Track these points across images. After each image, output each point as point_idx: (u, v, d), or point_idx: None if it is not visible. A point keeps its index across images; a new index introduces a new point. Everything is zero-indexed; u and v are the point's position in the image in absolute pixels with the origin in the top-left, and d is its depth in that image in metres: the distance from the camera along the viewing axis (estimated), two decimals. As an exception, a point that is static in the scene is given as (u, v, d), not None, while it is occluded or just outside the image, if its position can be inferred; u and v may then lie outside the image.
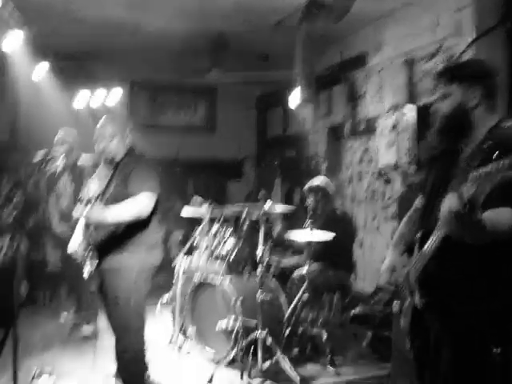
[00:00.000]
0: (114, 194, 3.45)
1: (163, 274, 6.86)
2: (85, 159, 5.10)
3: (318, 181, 5.31)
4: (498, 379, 2.02)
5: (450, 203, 1.69)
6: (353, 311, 5.63)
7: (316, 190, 5.20)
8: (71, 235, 3.74)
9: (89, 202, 3.19)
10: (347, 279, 5.23)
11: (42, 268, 6.48)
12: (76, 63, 7.84)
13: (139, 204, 3.33)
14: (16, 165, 7.16)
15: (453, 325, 2.10)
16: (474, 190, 1.64)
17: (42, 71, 6.57)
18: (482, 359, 2.03)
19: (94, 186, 3.53)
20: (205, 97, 9.30)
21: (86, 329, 5.13)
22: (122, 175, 3.49)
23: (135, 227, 3.44)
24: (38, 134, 7.20)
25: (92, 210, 3.17)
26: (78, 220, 3.64)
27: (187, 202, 5.60)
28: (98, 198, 3.32)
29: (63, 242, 5.12)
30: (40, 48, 6.66)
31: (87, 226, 3.49)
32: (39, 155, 4.17)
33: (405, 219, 2.63)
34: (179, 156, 8.84)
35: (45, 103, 7.17)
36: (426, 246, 2.08)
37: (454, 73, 2.18)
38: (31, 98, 7.34)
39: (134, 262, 3.46)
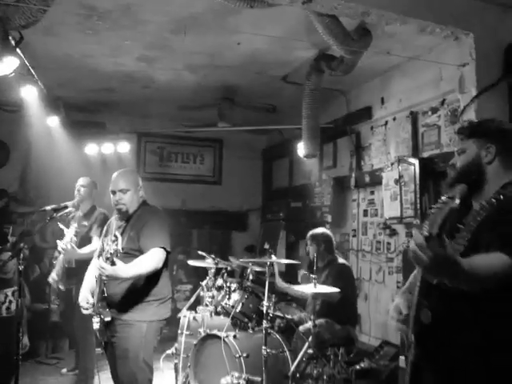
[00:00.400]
0: (126, 249, 3.49)
1: (167, 328, 6.86)
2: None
3: (321, 230, 5.31)
4: None
5: (413, 239, 1.74)
6: (357, 366, 5.54)
7: (319, 237, 5.20)
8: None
9: (109, 258, 3.21)
10: (353, 333, 5.16)
11: (45, 318, 6.42)
12: (87, 115, 8.02)
13: (154, 258, 3.39)
14: (23, 216, 7.25)
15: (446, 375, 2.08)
16: (428, 223, 1.74)
17: (53, 123, 6.71)
18: None
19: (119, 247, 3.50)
20: (212, 148, 9.42)
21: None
22: (135, 228, 3.53)
23: (148, 282, 3.51)
24: (47, 186, 7.35)
25: (110, 268, 3.20)
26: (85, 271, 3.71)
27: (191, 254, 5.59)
28: (118, 253, 3.32)
29: (64, 296, 5.13)
30: (52, 100, 6.85)
31: (101, 280, 3.48)
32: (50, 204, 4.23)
33: (415, 270, 2.56)
34: (185, 206, 8.90)
35: (56, 152, 7.30)
36: (415, 294, 2.10)
37: (472, 129, 2.24)
38: (42, 149, 7.47)
39: (146, 316, 3.51)
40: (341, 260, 5.26)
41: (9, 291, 5.68)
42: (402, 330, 2.25)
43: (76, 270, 4.83)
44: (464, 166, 2.20)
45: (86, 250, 4.79)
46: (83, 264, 4.58)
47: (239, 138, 8.91)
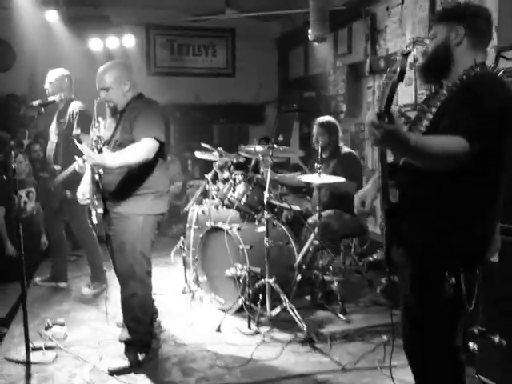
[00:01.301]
0: (120, 140, 3.43)
1: (179, 225, 6.91)
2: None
3: (331, 118, 5.11)
4: (451, 300, 2.14)
5: (367, 116, 1.85)
6: (370, 258, 5.52)
7: (332, 126, 4.99)
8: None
9: (95, 147, 3.13)
10: (364, 223, 5.06)
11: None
12: (88, 8, 7.69)
13: (143, 148, 3.28)
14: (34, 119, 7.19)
15: (411, 250, 2.22)
16: (378, 100, 1.86)
17: (51, 18, 6.45)
18: (437, 281, 2.14)
19: (101, 133, 3.42)
20: (224, 39, 9.05)
21: (86, 291, 5.05)
22: (128, 120, 3.43)
23: (142, 173, 3.43)
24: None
25: (97, 156, 3.13)
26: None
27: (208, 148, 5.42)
28: (104, 143, 3.27)
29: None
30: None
31: (94, 171, 3.43)
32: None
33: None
34: (199, 100, 8.70)
35: (60, 51, 7.09)
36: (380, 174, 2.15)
37: (443, 13, 2.32)
38: (46, 47, 7.26)
39: (141, 209, 3.46)
40: (346, 148, 5.07)
41: (23, 192, 5.74)
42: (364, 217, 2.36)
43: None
44: (433, 50, 2.24)
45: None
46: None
47: (252, 27, 8.49)
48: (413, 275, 2.24)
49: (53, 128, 4.86)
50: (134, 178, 3.44)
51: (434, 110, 2.17)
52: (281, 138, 5.50)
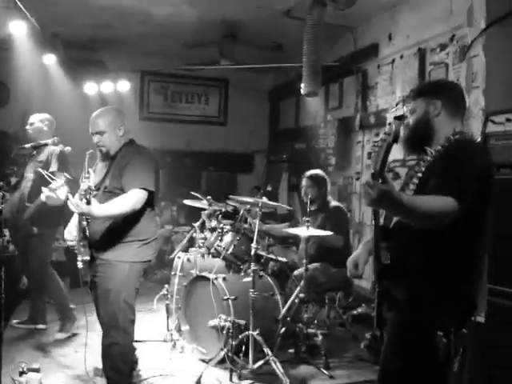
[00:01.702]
0: (109, 188, 3.43)
1: (163, 270, 6.86)
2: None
3: (321, 172, 5.19)
4: (441, 360, 2.15)
5: (364, 178, 1.81)
6: (354, 311, 5.49)
7: (321, 179, 5.05)
8: None
9: (84, 197, 3.12)
10: (350, 277, 5.04)
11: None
12: (86, 53, 7.82)
13: (131, 200, 3.29)
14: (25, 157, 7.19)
15: (401, 311, 2.25)
16: (373, 162, 1.95)
17: (49, 61, 6.53)
18: (427, 342, 2.15)
19: (91, 184, 3.40)
20: (217, 88, 9.20)
21: (59, 335, 4.94)
22: (118, 167, 3.44)
23: (129, 221, 3.41)
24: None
25: (85, 206, 3.09)
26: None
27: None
28: (91, 191, 3.22)
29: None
30: (49, 37, 6.66)
31: (81, 218, 3.40)
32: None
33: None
34: (190, 147, 8.77)
35: (56, 91, 7.16)
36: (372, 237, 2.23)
37: (420, 89, 2.51)
38: (42, 88, 7.33)
39: (127, 256, 3.43)
40: (334, 202, 5.12)
41: (6, 231, 5.68)
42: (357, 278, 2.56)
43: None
44: (414, 124, 2.40)
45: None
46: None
47: (245, 78, 8.64)
48: (401, 336, 2.26)
49: (29, 166, 4.87)
50: (120, 226, 3.42)
51: (419, 174, 2.28)
52: (269, 188, 5.55)
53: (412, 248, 2.22)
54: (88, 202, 3.13)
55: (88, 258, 3.40)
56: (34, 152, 4.12)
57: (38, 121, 4.94)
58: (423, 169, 2.28)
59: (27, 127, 4.98)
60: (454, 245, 2.16)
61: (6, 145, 7.55)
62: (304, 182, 5.12)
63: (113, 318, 3.43)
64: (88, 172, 3.25)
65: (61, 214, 4.98)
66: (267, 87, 9.36)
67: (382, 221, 2.31)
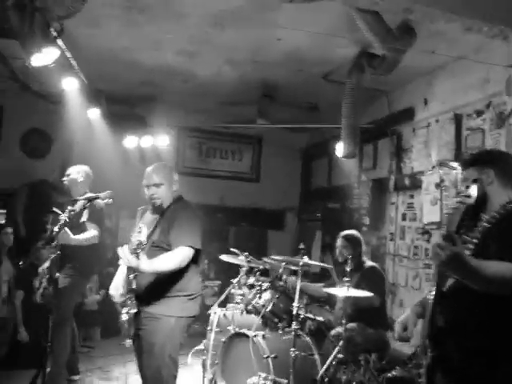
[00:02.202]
0: (157, 242, 3.53)
1: (196, 324, 6.85)
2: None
3: (355, 232, 5.25)
4: None
5: (434, 239, 1.91)
6: (389, 374, 5.40)
7: (356, 240, 5.10)
8: None
9: (134, 252, 3.19)
10: (386, 337, 5.03)
11: (79, 308, 6.49)
12: (127, 108, 8.09)
13: (177, 257, 3.39)
14: (61, 206, 7.37)
15: (461, 378, 2.26)
16: (447, 222, 2.08)
17: (93, 115, 6.79)
18: None
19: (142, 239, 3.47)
20: (251, 145, 9.39)
21: None
22: (167, 223, 3.53)
23: (174, 276, 3.49)
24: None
25: (134, 260, 3.18)
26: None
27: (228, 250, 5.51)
28: (143, 246, 3.29)
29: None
30: (94, 93, 6.93)
31: (129, 271, 3.48)
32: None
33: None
34: (223, 203, 8.89)
35: (96, 144, 7.41)
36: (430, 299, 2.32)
37: (471, 159, 2.62)
38: (83, 140, 7.59)
39: (173, 311, 3.51)
40: (370, 262, 5.16)
41: (44, 279, 5.77)
42: (405, 341, 2.61)
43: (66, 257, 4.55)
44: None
45: (80, 236, 4.63)
46: (73, 251, 4.53)
47: (279, 136, 8.82)
48: None
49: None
50: (166, 281, 3.50)
51: (475, 240, 2.33)
52: (301, 246, 5.58)
53: (468, 312, 2.24)
54: (137, 257, 3.22)
55: (136, 310, 3.45)
56: (87, 203, 4.28)
57: (74, 172, 5.13)
58: (479, 235, 2.33)
59: (64, 178, 5.15)
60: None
61: (46, 193, 7.78)
62: (339, 241, 5.18)
63: (157, 372, 3.46)
64: (139, 227, 3.33)
65: (98, 265, 5.10)
66: (300, 146, 9.53)
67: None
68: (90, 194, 4.35)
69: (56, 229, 3.75)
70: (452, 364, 2.26)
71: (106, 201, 4.84)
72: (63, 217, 3.86)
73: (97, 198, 4.13)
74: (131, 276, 3.48)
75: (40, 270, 4.98)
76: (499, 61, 4.90)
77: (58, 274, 4.63)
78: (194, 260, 3.57)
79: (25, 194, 7.68)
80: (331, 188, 8.52)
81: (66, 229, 4.27)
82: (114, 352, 5.98)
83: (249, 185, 9.28)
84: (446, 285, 2.36)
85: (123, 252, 3.20)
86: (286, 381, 4.08)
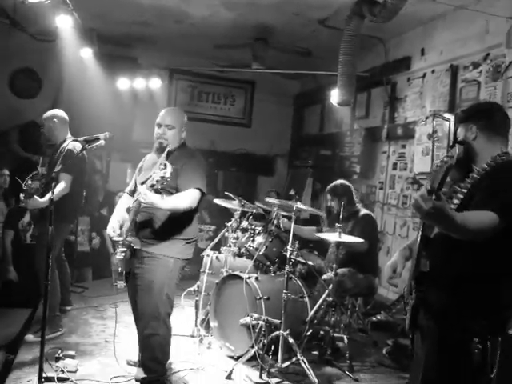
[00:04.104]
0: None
1: (189, 266, 6.97)
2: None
3: (339, 182, 5.29)
4: (476, 367, 2.30)
5: (417, 193, 2.07)
6: (374, 318, 5.61)
7: (339, 190, 5.16)
8: None
9: (154, 185, 3.21)
10: (374, 283, 5.17)
11: (72, 248, 6.57)
12: (119, 48, 7.95)
13: (191, 198, 3.47)
14: (52, 147, 7.34)
15: (438, 318, 2.38)
16: (431, 178, 2.09)
17: (86, 55, 6.67)
18: (463, 349, 2.30)
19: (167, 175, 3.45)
20: (243, 90, 9.32)
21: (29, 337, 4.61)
22: (174, 167, 3.54)
23: (178, 220, 3.58)
24: (78, 118, 7.34)
25: (153, 195, 3.23)
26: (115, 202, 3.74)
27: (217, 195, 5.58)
28: (165, 180, 3.22)
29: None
30: (87, 32, 6.79)
31: (139, 209, 3.52)
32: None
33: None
34: (214, 147, 8.90)
35: (88, 84, 7.31)
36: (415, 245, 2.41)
37: (458, 117, 2.79)
38: (74, 80, 7.48)
39: (173, 252, 3.60)
40: (364, 210, 5.24)
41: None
42: (394, 285, 2.60)
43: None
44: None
45: (47, 196, 4.45)
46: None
47: (272, 82, 8.77)
48: (440, 340, 2.37)
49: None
50: (168, 223, 3.57)
51: (464, 190, 2.42)
52: (292, 192, 5.65)
53: (452, 257, 2.37)
54: (156, 192, 3.28)
55: (139, 246, 3.52)
56: (86, 145, 4.26)
57: (48, 119, 4.94)
58: (469, 185, 2.42)
59: (42, 129, 5.00)
60: (493, 255, 2.30)
61: (36, 134, 7.71)
62: (327, 196, 5.24)
63: (154, 309, 3.55)
64: (164, 164, 3.31)
65: (75, 211, 5.12)
66: (293, 92, 9.49)
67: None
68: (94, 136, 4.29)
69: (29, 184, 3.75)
70: (431, 305, 2.39)
71: (99, 143, 4.79)
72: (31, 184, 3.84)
73: (97, 139, 4.09)
74: (136, 214, 3.52)
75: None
76: (500, 12, 4.86)
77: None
78: (197, 206, 3.64)
79: (16, 134, 7.60)
80: (323, 135, 8.54)
81: (35, 197, 4.33)
82: (106, 292, 6.10)
83: (240, 129, 9.27)
84: (433, 232, 2.45)
85: (142, 188, 3.24)
86: (278, 321, 4.21)
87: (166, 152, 3.57)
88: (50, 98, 7.89)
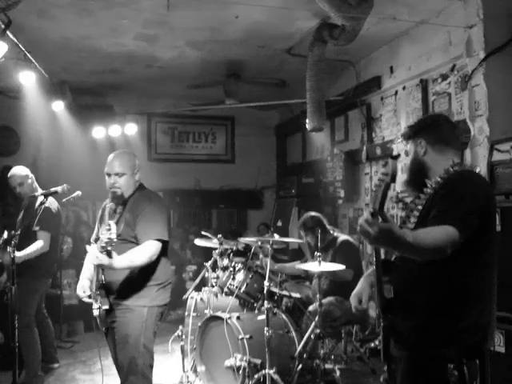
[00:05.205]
0: (124, 235, 3.44)
1: (177, 311, 6.84)
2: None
3: (306, 215, 5.20)
4: None
5: (361, 217, 1.94)
6: (372, 344, 5.43)
7: (309, 224, 5.07)
8: None
9: (104, 247, 3.10)
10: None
11: (58, 303, 6.46)
12: (93, 98, 7.97)
13: (147, 252, 3.33)
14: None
15: (408, 346, 2.27)
16: (372, 200, 1.98)
17: (57, 108, 6.66)
18: (439, 376, 2.18)
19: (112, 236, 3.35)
20: (223, 126, 9.33)
21: None
22: (131, 215, 3.45)
23: (146, 268, 3.43)
24: (58, 172, 7.32)
25: (106, 258, 3.11)
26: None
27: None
28: (113, 243, 3.13)
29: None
30: (57, 85, 6.81)
31: (99, 269, 3.42)
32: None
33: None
34: (200, 186, 8.85)
35: (64, 137, 7.32)
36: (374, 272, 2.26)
37: (406, 133, 2.56)
38: (51, 135, 7.49)
39: (146, 301, 3.46)
40: (342, 236, 5.13)
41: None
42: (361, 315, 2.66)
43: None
44: (410, 165, 2.51)
45: (26, 251, 4.55)
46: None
47: (251, 115, 8.76)
48: (413, 370, 2.26)
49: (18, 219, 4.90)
50: (137, 273, 3.44)
51: (420, 207, 2.34)
52: (279, 224, 5.54)
53: (415, 280, 2.25)
54: (109, 255, 3.15)
55: (107, 307, 3.39)
56: (45, 199, 4.24)
57: (16, 184, 4.89)
58: (424, 201, 2.33)
59: (16, 190, 4.93)
60: (458, 274, 2.19)
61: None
62: (301, 232, 5.15)
63: (132, 363, 3.41)
64: (109, 224, 3.25)
65: (51, 266, 5.02)
66: (273, 123, 9.47)
67: (383, 254, 2.33)
68: (52, 190, 4.23)
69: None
70: (400, 334, 2.26)
71: (75, 194, 4.73)
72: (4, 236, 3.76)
73: (55, 192, 4.04)
74: (100, 272, 3.41)
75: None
76: (459, 22, 4.84)
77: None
78: (163, 251, 3.51)
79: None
80: (306, 163, 8.48)
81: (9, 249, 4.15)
82: (97, 345, 5.92)
83: (224, 166, 9.22)
84: (393, 255, 2.34)
85: (93, 251, 3.13)
86: (259, 360, 4.06)
87: (108, 209, 3.50)
88: (29, 154, 7.88)
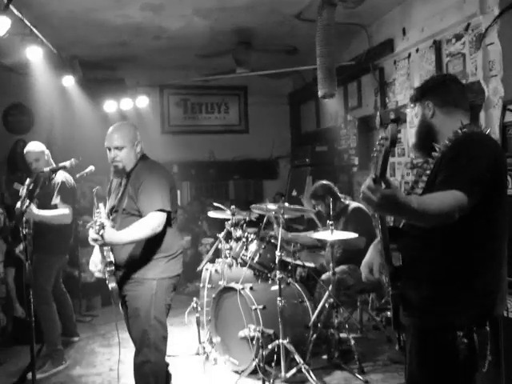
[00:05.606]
0: (128, 209, 3.41)
1: (195, 283, 6.87)
2: None
3: (317, 184, 5.15)
4: (462, 361, 2.10)
5: (364, 184, 1.85)
6: (388, 312, 5.39)
7: (319, 192, 5.00)
8: None
9: (98, 230, 3.06)
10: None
11: (77, 280, 6.55)
12: (104, 72, 7.92)
13: (150, 224, 3.27)
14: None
15: (418, 313, 2.21)
16: (373, 166, 1.90)
17: (67, 83, 6.63)
18: (447, 346, 2.12)
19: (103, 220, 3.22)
20: (236, 96, 9.22)
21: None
22: (133, 188, 3.41)
23: (152, 240, 3.37)
24: (73, 148, 7.31)
25: (105, 233, 3.06)
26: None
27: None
28: (101, 225, 3.08)
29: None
30: (67, 60, 6.76)
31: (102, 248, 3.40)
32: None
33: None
34: (214, 157, 8.81)
35: (76, 112, 7.30)
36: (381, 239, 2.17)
37: (413, 96, 2.49)
38: (63, 111, 7.48)
39: (154, 273, 3.42)
40: (353, 204, 5.06)
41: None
42: (373, 283, 2.51)
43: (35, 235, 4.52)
44: (417, 128, 2.44)
45: (47, 212, 4.51)
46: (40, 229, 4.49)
47: (263, 84, 8.62)
48: (422, 338, 2.20)
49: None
50: (145, 245, 3.40)
51: (428, 172, 2.26)
52: (294, 193, 5.48)
53: (424, 246, 2.18)
54: (102, 236, 3.08)
55: (114, 285, 3.39)
56: (53, 175, 4.23)
57: (32, 160, 4.82)
58: (432, 166, 2.25)
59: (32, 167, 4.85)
60: (467, 239, 2.13)
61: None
62: (312, 202, 5.10)
63: (144, 336, 3.40)
64: (98, 207, 3.21)
65: (66, 242, 5.03)
66: (286, 91, 9.33)
67: (391, 222, 2.28)
68: (60, 165, 4.21)
69: (18, 205, 3.62)
70: (409, 301, 2.20)
71: (88, 170, 4.70)
72: (22, 190, 3.74)
73: (64, 167, 4.01)
74: (106, 249, 3.40)
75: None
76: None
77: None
78: (168, 222, 3.46)
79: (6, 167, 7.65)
80: (320, 131, 8.36)
81: (32, 205, 4.08)
82: (114, 318, 6.00)
83: (238, 136, 9.15)
84: (401, 222, 2.25)
85: (92, 234, 3.11)
86: (272, 331, 4.05)
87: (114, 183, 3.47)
88: (43, 131, 7.88)
